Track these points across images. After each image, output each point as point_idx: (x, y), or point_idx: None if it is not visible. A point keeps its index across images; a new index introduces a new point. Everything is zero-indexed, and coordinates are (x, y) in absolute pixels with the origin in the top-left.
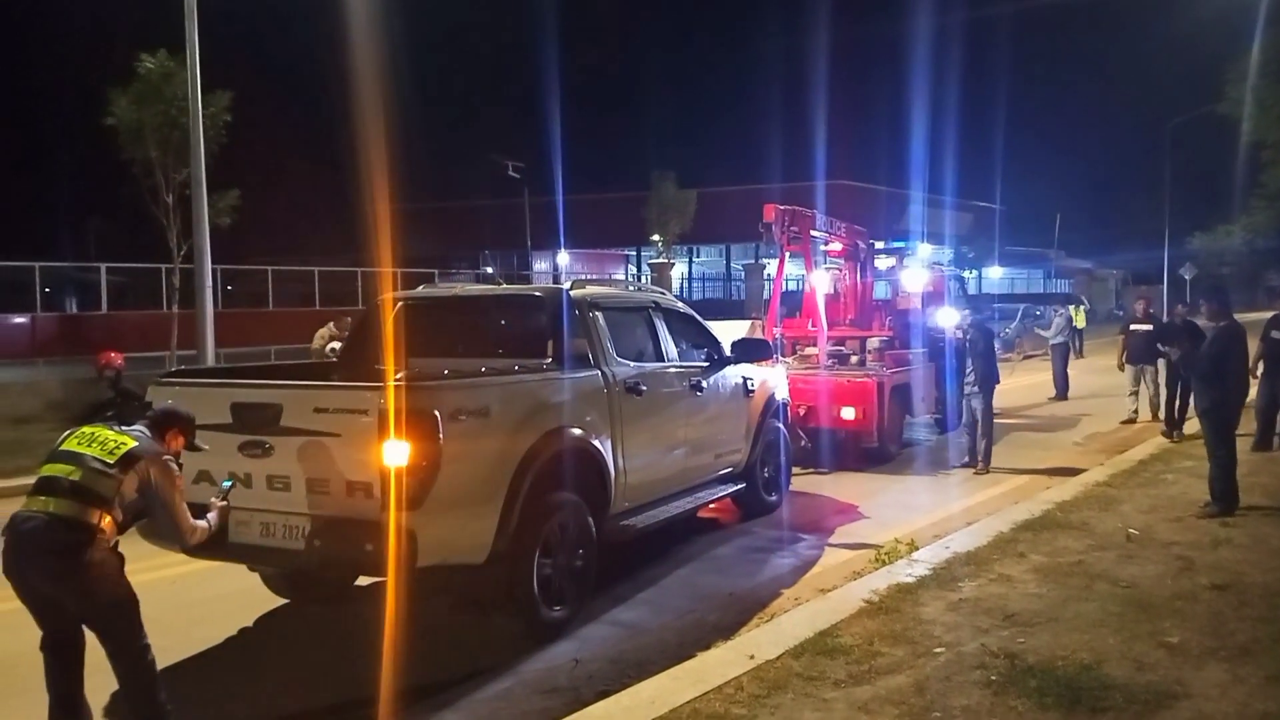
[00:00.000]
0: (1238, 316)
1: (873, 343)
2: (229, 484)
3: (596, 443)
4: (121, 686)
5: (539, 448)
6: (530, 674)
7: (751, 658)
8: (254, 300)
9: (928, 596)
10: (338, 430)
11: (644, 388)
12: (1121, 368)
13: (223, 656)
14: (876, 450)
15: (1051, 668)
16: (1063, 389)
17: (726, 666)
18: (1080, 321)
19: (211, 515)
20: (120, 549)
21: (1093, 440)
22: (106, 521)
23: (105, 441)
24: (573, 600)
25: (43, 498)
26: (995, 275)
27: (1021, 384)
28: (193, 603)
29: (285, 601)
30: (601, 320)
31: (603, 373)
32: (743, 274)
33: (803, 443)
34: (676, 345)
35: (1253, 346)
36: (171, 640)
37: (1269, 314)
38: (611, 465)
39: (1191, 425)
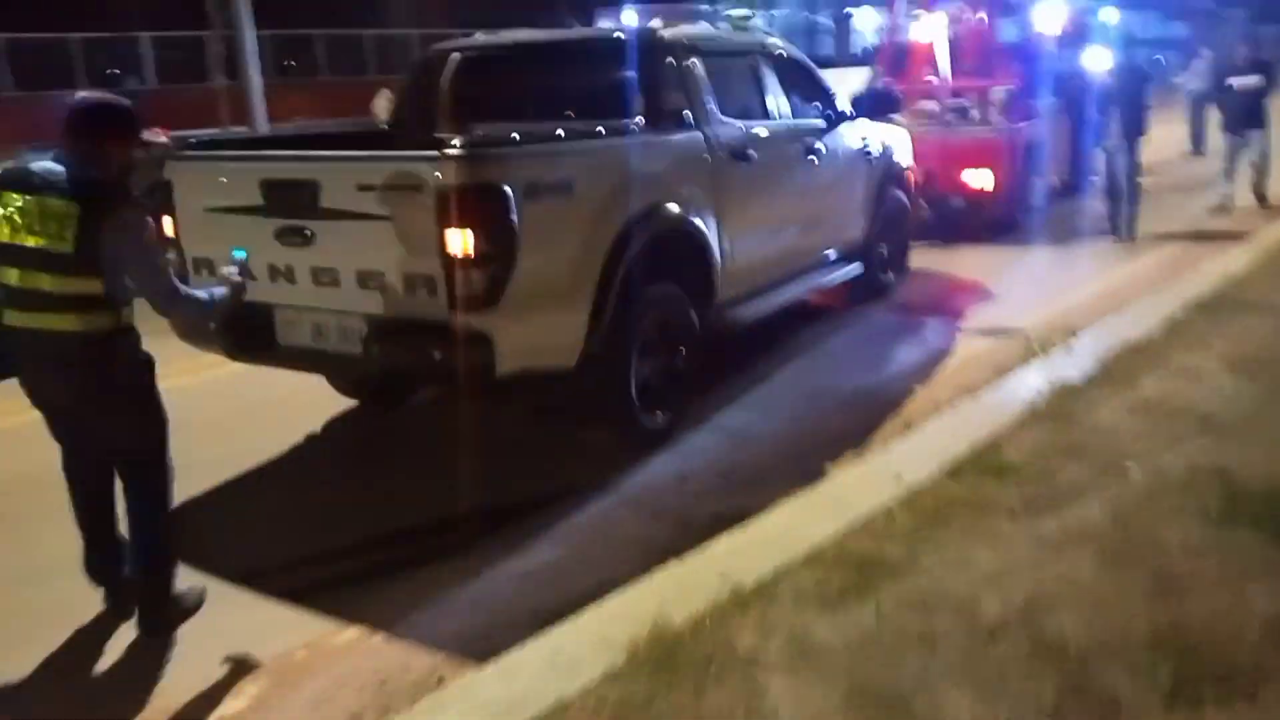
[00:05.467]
0: None
1: (997, 93)
2: (242, 254)
3: (698, 221)
4: (129, 513)
5: (633, 229)
6: (631, 492)
7: (898, 477)
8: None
9: (1100, 397)
10: (387, 212)
11: (752, 153)
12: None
13: (285, 469)
14: (1002, 218)
15: (1278, 490)
16: (1200, 144)
17: (868, 489)
18: None
19: (218, 289)
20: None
21: (1246, 201)
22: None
23: (47, 221)
24: (674, 405)
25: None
26: (1112, 19)
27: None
28: (249, 407)
29: (352, 404)
30: (700, 69)
31: (704, 135)
32: (832, 24)
33: (924, 213)
34: (788, 100)
35: None
36: (228, 449)
37: None
38: (716, 247)
39: None
